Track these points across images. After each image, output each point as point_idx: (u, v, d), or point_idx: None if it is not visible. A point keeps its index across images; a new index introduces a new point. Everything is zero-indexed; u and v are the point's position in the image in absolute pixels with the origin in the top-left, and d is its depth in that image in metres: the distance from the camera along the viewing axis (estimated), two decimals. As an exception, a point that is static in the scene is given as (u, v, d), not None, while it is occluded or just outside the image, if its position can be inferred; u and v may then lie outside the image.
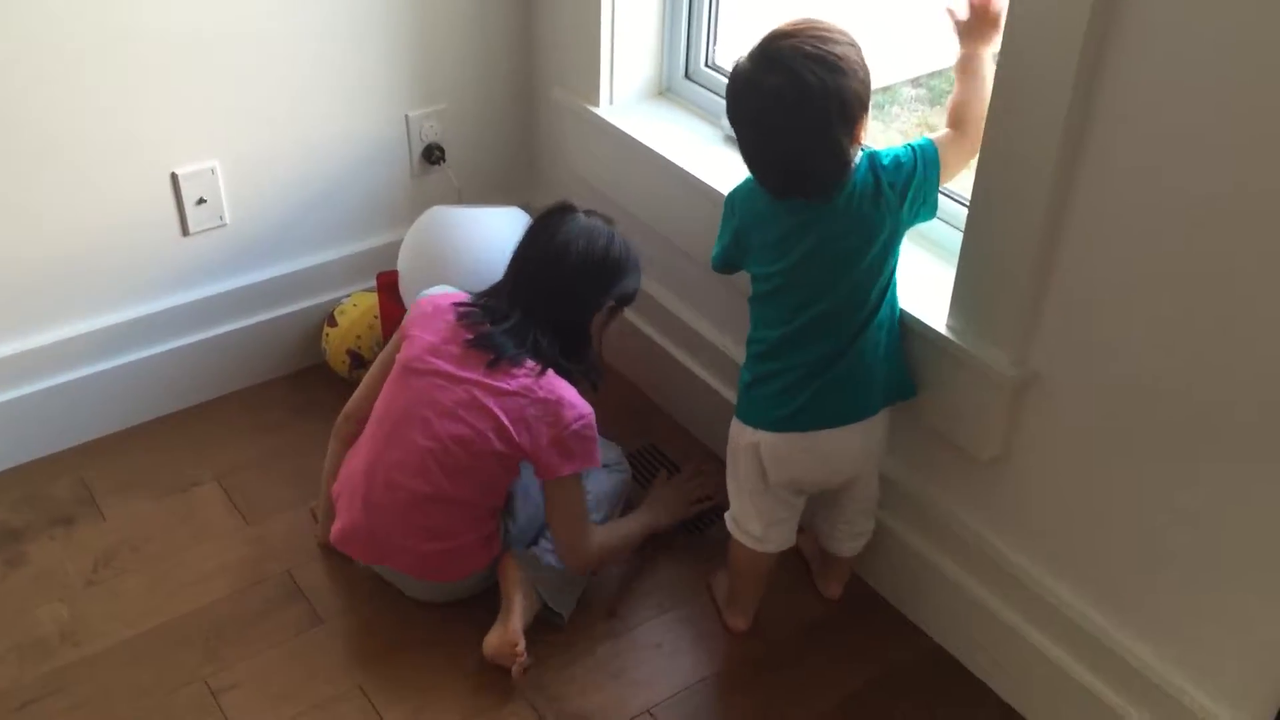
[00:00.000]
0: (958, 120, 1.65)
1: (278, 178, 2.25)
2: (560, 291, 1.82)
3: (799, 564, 2.00)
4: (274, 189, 2.25)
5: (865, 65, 1.56)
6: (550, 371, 1.77)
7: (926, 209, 1.65)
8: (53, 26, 1.90)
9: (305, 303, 2.38)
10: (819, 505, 1.86)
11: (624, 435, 2.18)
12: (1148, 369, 1.47)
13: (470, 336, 1.78)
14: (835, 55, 1.52)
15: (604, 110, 2.23)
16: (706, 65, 2.25)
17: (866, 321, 1.64)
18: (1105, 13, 1.34)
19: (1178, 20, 1.29)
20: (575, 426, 1.75)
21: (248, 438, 2.26)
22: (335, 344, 2.34)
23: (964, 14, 1.61)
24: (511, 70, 2.44)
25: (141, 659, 1.83)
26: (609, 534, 1.92)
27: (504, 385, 1.75)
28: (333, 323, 2.34)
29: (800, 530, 1.84)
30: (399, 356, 1.83)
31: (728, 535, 1.83)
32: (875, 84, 1.58)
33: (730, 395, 1.99)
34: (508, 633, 1.78)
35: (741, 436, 1.75)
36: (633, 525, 1.98)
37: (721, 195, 1.80)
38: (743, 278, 1.76)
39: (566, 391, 1.77)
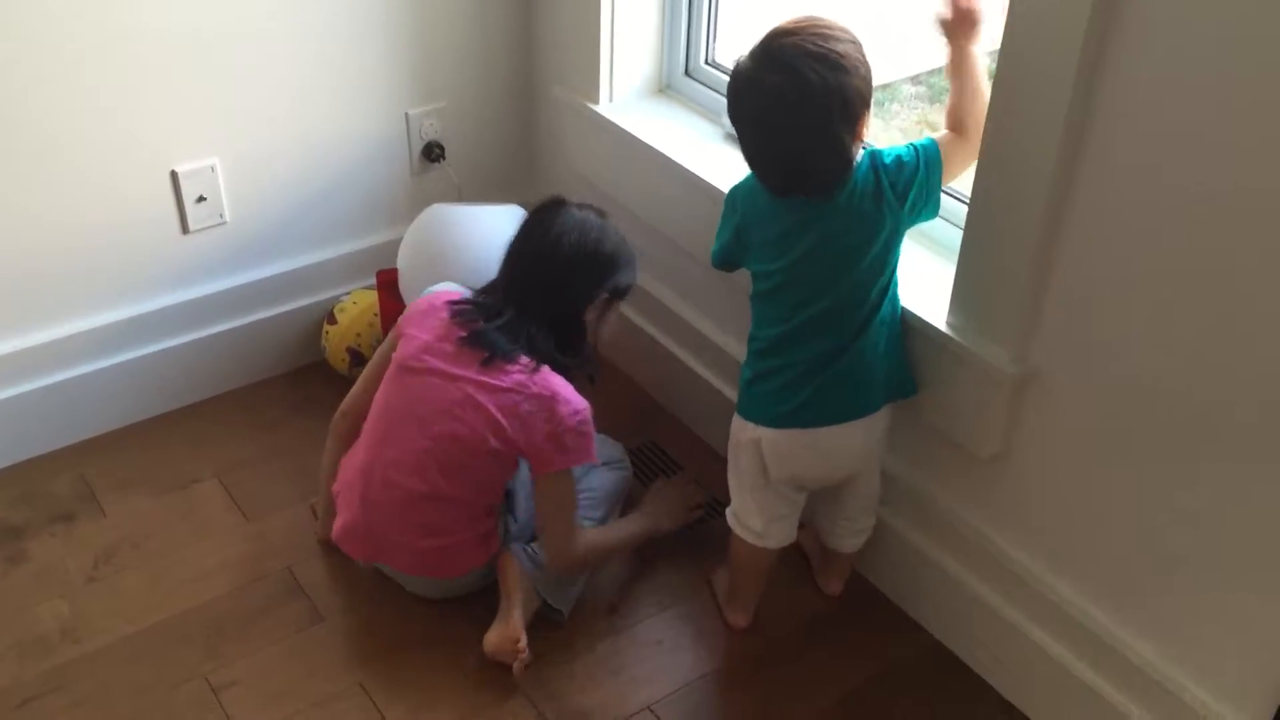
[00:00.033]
0: (957, 123, 1.64)
1: (278, 175, 2.25)
2: (553, 285, 1.81)
3: (799, 560, 2.00)
4: (274, 187, 2.25)
5: (867, 63, 1.55)
6: (545, 367, 1.77)
7: (928, 209, 1.65)
8: (53, 26, 1.90)
9: (305, 300, 2.38)
10: (820, 501, 1.86)
11: (625, 433, 2.17)
12: (1148, 367, 1.47)
13: (463, 334, 1.78)
14: (837, 53, 1.52)
15: (604, 108, 2.23)
16: (707, 63, 2.25)
17: (867, 319, 1.64)
18: (1105, 10, 1.34)
19: (1178, 17, 1.29)
20: (572, 422, 1.75)
21: (247, 435, 2.26)
22: (335, 342, 2.34)
23: (947, 12, 1.60)
24: (511, 68, 2.44)
25: (142, 656, 1.83)
26: (603, 536, 1.91)
27: (498, 382, 1.75)
28: (332, 320, 2.34)
29: (801, 526, 1.84)
30: (395, 355, 1.83)
31: (728, 531, 1.83)
32: (875, 81, 1.57)
33: (731, 394, 1.99)
34: (509, 629, 1.78)
35: (743, 432, 1.75)
36: (630, 528, 1.97)
37: (722, 193, 1.80)
38: (744, 275, 1.76)
39: (561, 387, 1.76)
